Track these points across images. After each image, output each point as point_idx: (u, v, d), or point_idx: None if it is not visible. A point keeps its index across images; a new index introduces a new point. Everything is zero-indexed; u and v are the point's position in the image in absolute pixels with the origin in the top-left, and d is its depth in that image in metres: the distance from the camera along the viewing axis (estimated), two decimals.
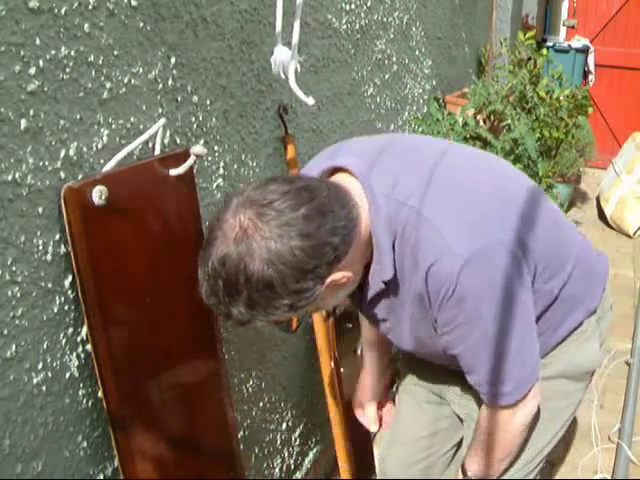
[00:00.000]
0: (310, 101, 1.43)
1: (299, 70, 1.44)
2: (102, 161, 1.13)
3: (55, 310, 1.08)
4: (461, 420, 1.54)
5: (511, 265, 1.11)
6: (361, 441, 2.12)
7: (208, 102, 1.38)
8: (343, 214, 1.05)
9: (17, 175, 0.98)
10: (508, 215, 1.14)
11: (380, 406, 1.70)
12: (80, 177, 1.09)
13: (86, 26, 1.05)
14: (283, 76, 1.44)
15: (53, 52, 1.00)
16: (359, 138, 1.33)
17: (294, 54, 1.40)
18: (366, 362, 1.65)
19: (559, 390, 1.39)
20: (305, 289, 1.02)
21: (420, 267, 1.11)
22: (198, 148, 1.25)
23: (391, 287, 1.19)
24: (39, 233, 1.03)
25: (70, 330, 1.12)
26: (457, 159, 1.24)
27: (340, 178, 1.15)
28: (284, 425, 1.96)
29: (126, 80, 1.15)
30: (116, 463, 1.22)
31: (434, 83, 2.79)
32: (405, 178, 1.15)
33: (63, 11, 1.00)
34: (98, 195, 1.08)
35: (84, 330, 1.14)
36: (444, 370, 1.44)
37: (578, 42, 5.40)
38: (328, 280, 1.05)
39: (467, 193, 1.15)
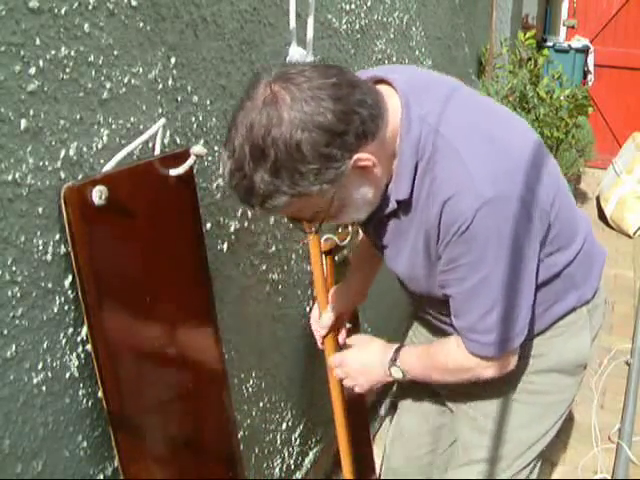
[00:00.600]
0: None
1: None
2: (102, 161, 1.13)
3: (55, 310, 1.08)
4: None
5: (525, 222, 1.11)
6: (361, 441, 2.12)
7: (208, 102, 1.38)
8: (372, 97, 1.05)
9: (17, 175, 0.98)
10: (530, 172, 1.15)
11: (337, 327, 1.61)
12: (80, 177, 1.09)
13: (86, 26, 1.05)
14: None
15: (53, 52, 1.00)
16: (411, 67, 1.36)
17: (309, 53, 1.41)
18: (349, 276, 1.65)
19: (552, 384, 1.39)
20: (333, 156, 1.00)
21: (438, 198, 1.10)
22: (198, 148, 1.25)
23: (401, 212, 1.18)
24: (39, 233, 1.03)
25: (70, 330, 1.12)
26: (490, 108, 1.25)
27: (381, 88, 1.14)
28: (284, 425, 1.96)
29: (126, 80, 1.15)
30: (116, 463, 1.22)
31: None
32: (444, 111, 1.15)
33: (63, 11, 1.00)
34: (98, 195, 1.08)
35: (84, 330, 1.14)
36: None
37: (578, 42, 5.40)
38: (355, 157, 1.03)
39: (499, 142, 1.15)
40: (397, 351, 1.36)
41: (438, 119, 1.13)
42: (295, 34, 1.44)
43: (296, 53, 1.44)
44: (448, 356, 1.28)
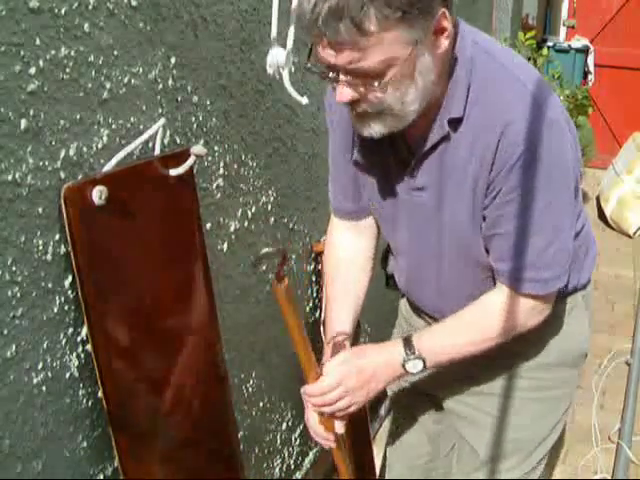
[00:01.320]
0: (304, 101, 1.42)
1: (293, 71, 1.44)
2: (102, 161, 1.13)
3: (55, 310, 1.08)
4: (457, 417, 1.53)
5: (575, 150, 1.13)
6: (361, 441, 2.12)
7: (208, 102, 1.38)
8: None
9: (17, 175, 0.98)
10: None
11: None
12: (80, 177, 1.09)
13: (86, 26, 1.05)
14: (278, 77, 1.43)
15: (53, 52, 1.00)
16: None
17: (289, 56, 1.39)
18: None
19: (555, 379, 1.39)
20: None
21: (499, 120, 1.08)
22: (198, 148, 1.25)
23: (452, 139, 1.13)
24: (39, 233, 1.03)
25: (70, 330, 1.12)
26: None
27: None
28: (284, 425, 1.96)
29: (126, 80, 1.15)
30: (116, 463, 1.22)
31: None
32: (494, 44, 1.16)
33: (63, 11, 1.00)
34: (98, 195, 1.08)
35: (84, 330, 1.14)
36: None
37: (578, 42, 5.41)
38: (442, 10, 1.00)
39: (540, 77, 1.17)
40: (408, 342, 1.21)
41: (488, 44, 1.13)
42: (277, 36, 1.42)
43: (276, 55, 1.42)
44: (495, 314, 1.18)
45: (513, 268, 1.16)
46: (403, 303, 1.59)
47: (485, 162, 1.11)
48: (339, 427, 1.29)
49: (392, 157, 1.21)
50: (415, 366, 1.21)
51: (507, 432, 1.41)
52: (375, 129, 1.09)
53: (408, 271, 1.38)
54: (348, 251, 1.40)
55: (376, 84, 1.02)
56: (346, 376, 1.21)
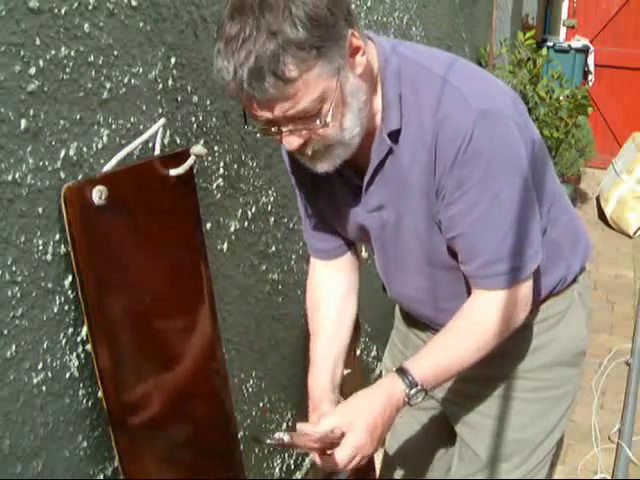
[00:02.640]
0: None
1: None
2: (102, 161, 1.13)
3: (55, 310, 1.08)
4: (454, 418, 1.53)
5: (521, 144, 1.11)
6: None
7: (208, 102, 1.38)
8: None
9: (17, 175, 0.98)
10: (519, 106, 1.17)
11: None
12: (80, 177, 1.09)
13: (86, 26, 1.05)
14: None
15: (53, 52, 1.00)
16: None
17: None
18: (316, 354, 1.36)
19: (554, 379, 1.38)
20: (335, 13, 1.00)
21: (431, 121, 1.09)
22: (198, 148, 1.25)
23: (396, 151, 1.14)
24: (39, 233, 1.03)
25: (70, 330, 1.12)
26: None
27: None
28: (284, 425, 1.96)
29: (126, 80, 1.15)
30: (116, 463, 1.22)
31: None
32: (428, 53, 1.19)
33: (63, 11, 1.00)
34: (98, 195, 1.08)
35: (84, 330, 1.14)
36: None
37: (578, 42, 5.41)
38: (350, 31, 1.03)
39: (487, 77, 1.19)
40: (403, 374, 1.16)
41: (410, 51, 1.15)
42: None
43: None
44: (480, 319, 1.18)
45: (477, 267, 1.16)
46: (397, 308, 1.60)
47: (427, 166, 1.12)
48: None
49: (344, 185, 1.23)
50: (419, 396, 1.17)
51: (507, 433, 1.40)
52: (327, 164, 1.12)
53: (390, 284, 1.39)
54: (328, 290, 1.41)
55: (317, 122, 1.05)
56: (361, 445, 1.15)
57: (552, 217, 1.28)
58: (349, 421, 1.16)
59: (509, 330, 1.21)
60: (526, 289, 1.19)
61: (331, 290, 1.40)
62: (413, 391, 1.16)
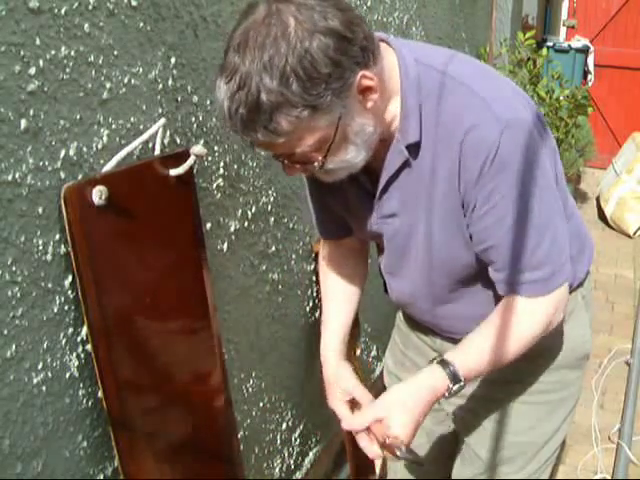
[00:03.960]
0: None
1: None
2: (102, 161, 1.13)
3: (55, 310, 1.08)
4: (454, 419, 1.53)
5: (543, 153, 1.11)
6: None
7: (208, 102, 1.38)
8: (366, 27, 1.02)
9: (17, 175, 0.98)
10: (537, 114, 1.16)
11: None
12: (80, 177, 1.09)
13: (86, 26, 1.05)
14: None
15: (53, 52, 1.00)
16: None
17: None
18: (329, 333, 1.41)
19: (558, 382, 1.38)
20: (342, 64, 0.96)
21: (457, 132, 1.07)
22: (198, 148, 1.25)
23: (413, 163, 1.13)
24: (39, 233, 1.03)
25: (70, 330, 1.12)
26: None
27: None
28: (284, 425, 1.96)
29: (126, 80, 1.15)
30: (116, 463, 1.22)
31: None
32: (450, 59, 1.15)
33: (63, 11, 1.00)
34: (98, 195, 1.08)
35: (84, 330, 1.14)
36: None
37: (578, 42, 5.41)
38: (361, 72, 0.99)
39: (507, 85, 1.17)
40: (445, 365, 1.16)
41: (431, 58, 1.13)
42: None
43: None
44: (517, 320, 1.15)
45: (509, 275, 1.15)
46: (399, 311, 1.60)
47: (451, 176, 1.10)
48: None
49: (358, 189, 1.23)
50: (460, 388, 1.17)
51: (510, 436, 1.40)
52: (332, 178, 1.14)
53: (390, 285, 1.39)
54: (339, 267, 1.45)
55: (316, 164, 1.07)
56: (390, 407, 1.16)
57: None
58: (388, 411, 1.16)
59: (546, 333, 1.21)
60: (562, 293, 1.19)
61: (341, 266, 1.44)
62: (456, 387, 1.16)
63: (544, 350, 1.35)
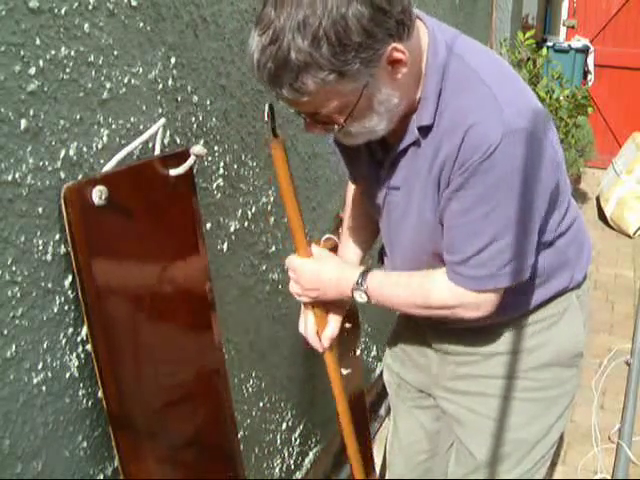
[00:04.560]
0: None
1: None
2: (102, 161, 1.13)
3: (55, 310, 1.08)
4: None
5: (542, 164, 1.11)
6: (361, 441, 2.12)
7: (208, 102, 1.38)
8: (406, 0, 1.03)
9: (17, 175, 0.98)
10: (544, 117, 1.15)
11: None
12: (80, 177, 1.09)
13: (86, 26, 1.05)
14: None
15: (53, 52, 1.00)
16: None
17: None
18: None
19: (551, 379, 1.38)
20: (375, 35, 0.98)
21: (462, 125, 1.09)
22: (198, 148, 1.25)
23: (421, 144, 1.16)
24: (39, 233, 1.03)
25: (70, 330, 1.12)
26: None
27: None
28: (284, 425, 1.96)
29: (126, 80, 1.15)
30: (116, 463, 1.22)
31: None
32: (468, 45, 1.17)
33: (63, 11, 1.00)
34: (98, 195, 1.08)
35: (84, 330, 1.14)
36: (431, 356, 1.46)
37: (578, 42, 5.41)
38: (393, 44, 1.01)
39: (518, 83, 1.17)
40: (364, 275, 1.29)
41: (463, 49, 1.14)
42: None
43: None
44: (432, 290, 1.24)
45: (451, 260, 1.20)
46: None
47: (447, 166, 1.13)
48: (327, 335, 1.41)
49: (370, 157, 1.27)
50: (361, 297, 1.30)
51: (502, 433, 1.40)
52: (352, 141, 1.17)
53: (392, 268, 1.42)
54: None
55: (336, 127, 1.10)
56: (302, 270, 1.33)
57: (563, 228, 1.28)
58: (316, 253, 1.35)
59: (447, 317, 1.26)
60: (488, 298, 1.21)
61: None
62: (360, 289, 1.29)
63: (537, 347, 1.35)
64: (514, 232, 1.14)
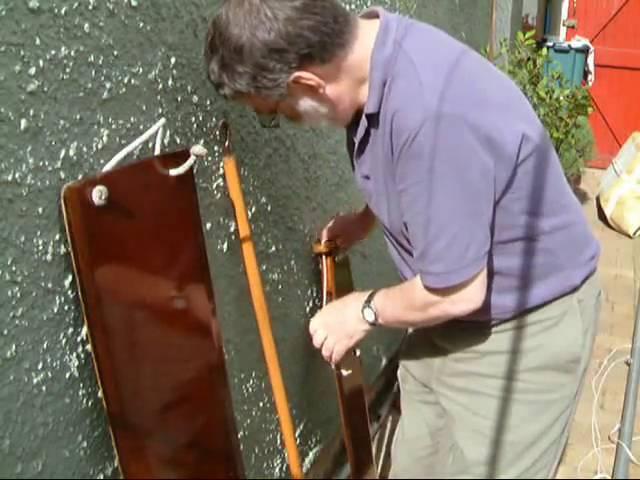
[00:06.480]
0: None
1: None
2: (102, 161, 1.13)
3: (55, 310, 1.08)
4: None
5: (474, 151, 1.11)
6: (361, 441, 2.12)
7: (208, 102, 1.38)
8: (334, 27, 1.12)
9: (17, 175, 0.98)
10: (491, 108, 1.16)
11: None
12: (80, 177, 1.09)
13: (86, 26, 1.05)
14: None
15: (53, 52, 1.00)
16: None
17: None
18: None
19: (545, 382, 1.37)
20: (269, 68, 1.11)
21: (390, 110, 1.15)
22: (198, 148, 1.25)
23: (372, 132, 1.22)
24: (39, 233, 1.03)
25: (70, 330, 1.12)
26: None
27: (369, 22, 1.21)
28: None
29: (126, 80, 1.15)
30: (116, 463, 1.22)
31: None
32: (424, 40, 1.22)
33: (63, 11, 1.00)
34: (98, 195, 1.08)
35: (84, 330, 1.14)
36: (432, 346, 1.48)
37: (578, 42, 5.41)
38: (295, 74, 1.11)
39: (466, 71, 1.18)
40: (371, 294, 1.36)
41: (411, 43, 1.18)
42: None
43: None
44: (414, 290, 1.25)
45: (416, 257, 1.22)
46: None
47: (387, 151, 1.17)
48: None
49: (349, 144, 1.37)
50: (369, 315, 1.35)
51: (492, 432, 1.40)
52: (302, 125, 1.42)
53: (388, 253, 1.46)
54: None
55: (278, 114, 1.25)
56: (325, 320, 1.44)
57: (549, 229, 1.27)
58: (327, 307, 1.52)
59: (436, 319, 1.28)
60: (466, 291, 1.20)
61: None
62: (366, 310, 1.34)
63: (532, 348, 1.35)
64: (462, 219, 1.14)
